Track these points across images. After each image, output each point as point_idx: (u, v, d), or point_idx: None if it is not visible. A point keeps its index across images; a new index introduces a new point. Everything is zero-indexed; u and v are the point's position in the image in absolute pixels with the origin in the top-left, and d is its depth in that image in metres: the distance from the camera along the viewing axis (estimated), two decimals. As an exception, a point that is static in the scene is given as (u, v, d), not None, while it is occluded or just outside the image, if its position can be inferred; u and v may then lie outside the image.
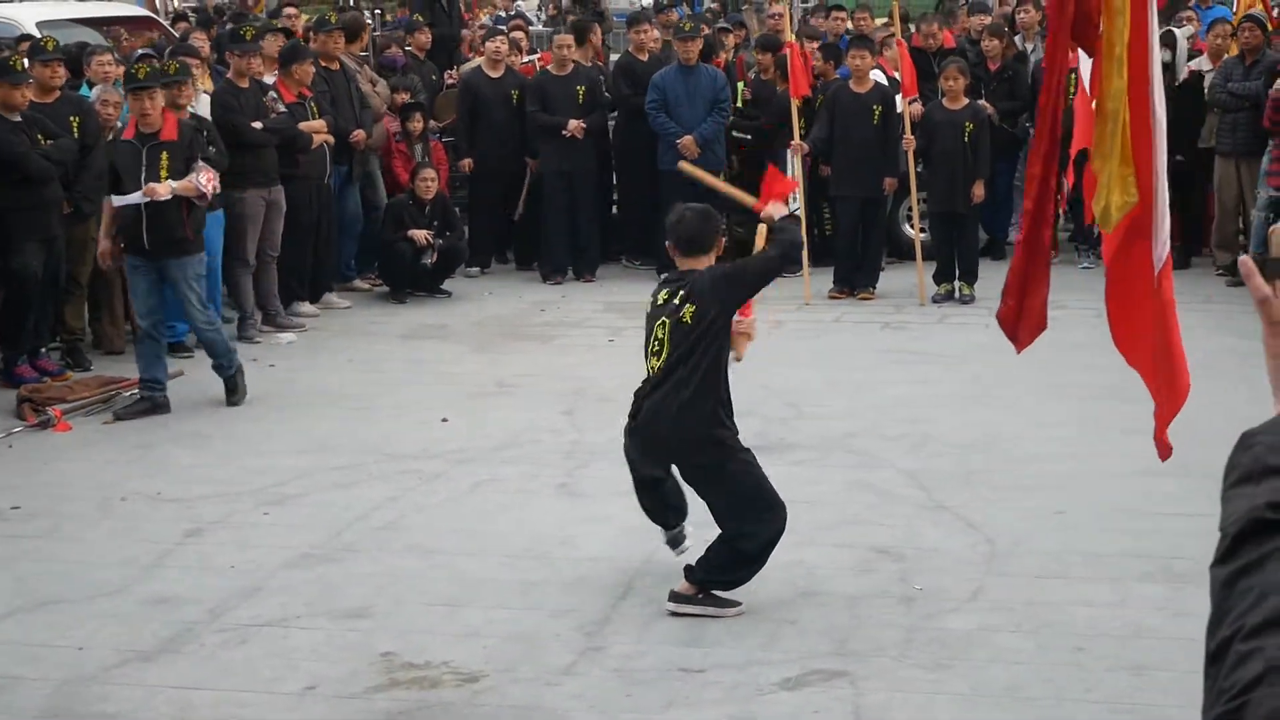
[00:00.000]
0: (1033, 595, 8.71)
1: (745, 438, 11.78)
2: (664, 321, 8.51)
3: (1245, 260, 2.37)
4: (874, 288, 16.90)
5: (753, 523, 8.60)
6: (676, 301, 8.49)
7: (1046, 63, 7.81)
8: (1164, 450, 7.70)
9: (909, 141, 16.73)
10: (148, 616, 8.78)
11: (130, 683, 7.98)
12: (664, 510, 9.03)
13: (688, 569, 8.66)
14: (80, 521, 10.46)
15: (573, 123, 17.72)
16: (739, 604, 8.59)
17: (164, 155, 12.84)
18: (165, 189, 12.68)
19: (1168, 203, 7.34)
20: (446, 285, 17.59)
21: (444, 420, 12.54)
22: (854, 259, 17.07)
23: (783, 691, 7.68)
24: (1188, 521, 9.65)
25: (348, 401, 13.30)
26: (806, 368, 13.92)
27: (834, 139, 17.08)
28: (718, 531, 8.69)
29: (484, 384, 13.71)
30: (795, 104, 16.95)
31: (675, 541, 9.03)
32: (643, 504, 9.04)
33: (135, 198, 12.72)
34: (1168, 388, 7.44)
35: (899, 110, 17.24)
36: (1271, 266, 4.87)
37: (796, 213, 17.02)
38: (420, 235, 16.94)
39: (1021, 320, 7.95)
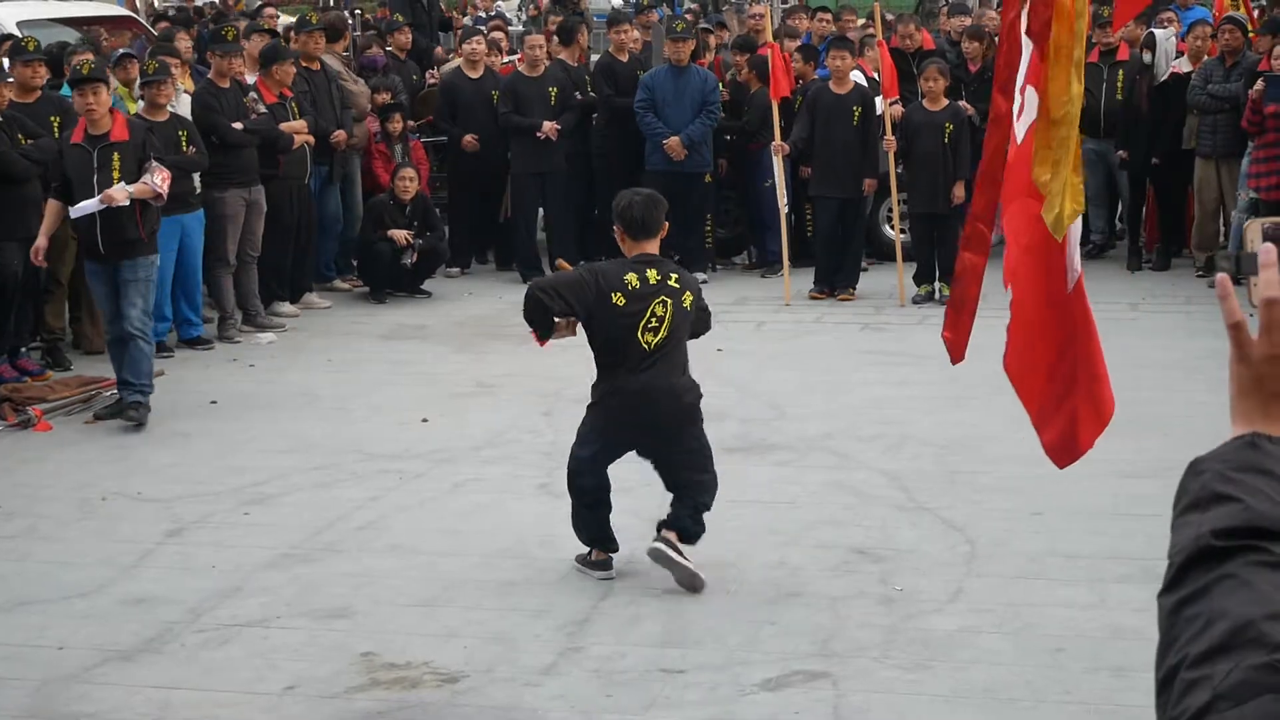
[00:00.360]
0: (1012, 596, 8.73)
1: (726, 439, 11.87)
2: (665, 300, 8.97)
3: (1223, 281, 2.37)
4: (854, 288, 16.89)
5: (712, 486, 9.27)
6: (674, 285, 9.03)
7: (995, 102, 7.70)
8: (1063, 458, 7.64)
9: (889, 143, 16.71)
10: (127, 616, 8.77)
11: (110, 682, 7.97)
12: (607, 524, 9.38)
13: (673, 526, 9.14)
14: (60, 521, 10.44)
15: (547, 124, 17.71)
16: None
17: (116, 156, 12.68)
18: (123, 195, 12.48)
19: (1080, 224, 7.34)
20: (426, 286, 17.57)
21: (424, 420, 12.54)
22: (834, 260, 17.06)
23: (763, 692, 7.68)
24: (1167, 523, 9.62)
25: (328, 401, 13.29)
26: (787, 369, 13.93)
27: (814, 139, 17.06)
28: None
29: (464, 384, 13.70)
30: (775, 105, 16.95)
31: (602, 566, 9.34)
32: (592, 515, 9.35)
33: (92, 205, 12.50)
34: (1089, 406, 7.38)
35: (879, 111, 17.27)
36: (1246, 262, 4.89)
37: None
38: (400, 235, 16.93)
39: (961, 339, 7.94)
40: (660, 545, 8.97)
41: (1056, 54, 6.73)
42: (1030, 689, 7.65)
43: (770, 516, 10.11)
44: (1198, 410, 11.40)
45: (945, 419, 12.08)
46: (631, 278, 8.99)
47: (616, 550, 9.29)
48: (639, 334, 8.96)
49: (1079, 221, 7.29)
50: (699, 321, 9.40)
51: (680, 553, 8.99)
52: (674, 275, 9.11)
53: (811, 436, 11.87)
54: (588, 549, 9.32)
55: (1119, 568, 9.04)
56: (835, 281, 17.02)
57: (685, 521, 9.12)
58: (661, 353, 8.99)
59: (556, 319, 9.24)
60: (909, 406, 12.41)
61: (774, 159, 17.03)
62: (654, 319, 8.95)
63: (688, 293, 9.10)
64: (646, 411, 9.08)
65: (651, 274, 9.01)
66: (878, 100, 17.52)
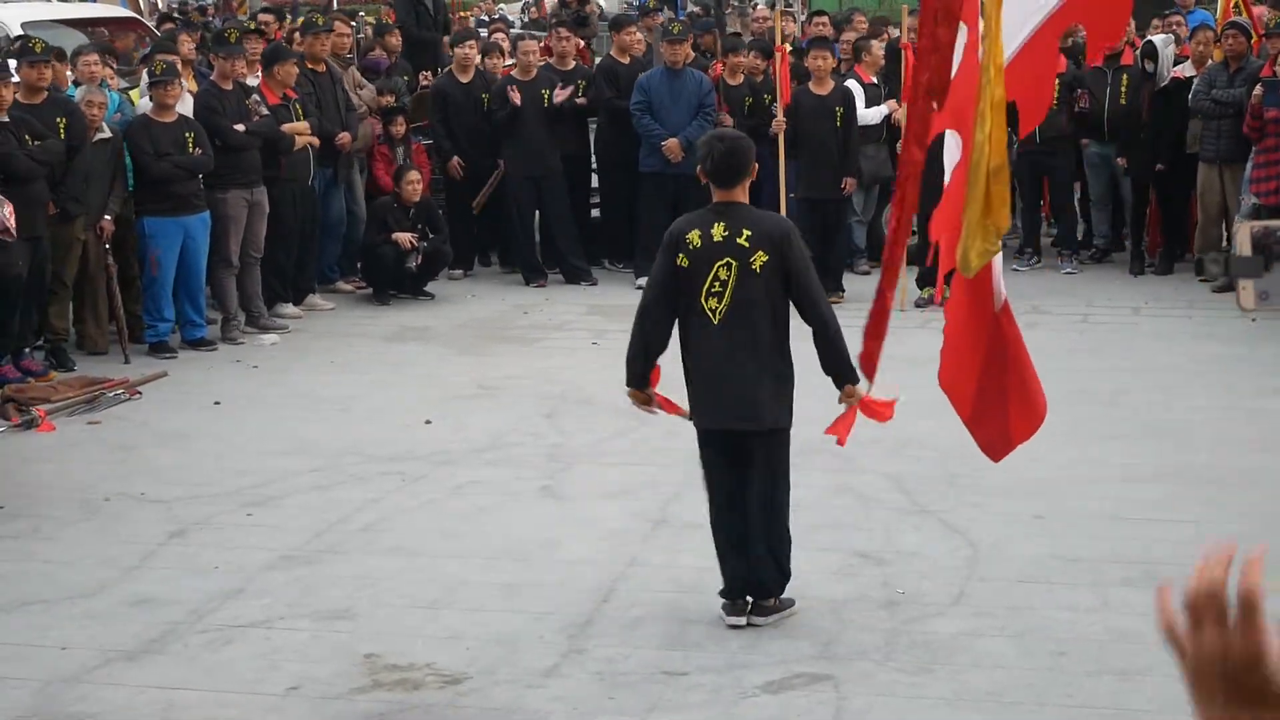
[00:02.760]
0: (1014, 600, 8.74)
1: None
2: (729, 262, 8.13)
3: (1164, 613, 2.32)
4: (843, 291, 16.79)
5: (784, 519, 8.58)
6: (744, 243, 8.13)
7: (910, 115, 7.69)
8: (998, 451, 7.75)
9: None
10: (130, 617, 8.78)
11: (113, 683, 7.98)
12: (743, 545, 8.45)
13: (757, 587, 8.48)
14: (63, 522, 10.45)
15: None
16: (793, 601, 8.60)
17: None
18: None
19: (1000, 256, 7.42)
20: (429, 288, 17.57)
21: (427, 422, 12.54)
22: (817, 263, 16.97)
23: (765, 695, 7.70)
24: (1169, 526, 9.69)
25: (330, 403, 13.30)
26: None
27: (796, 141, 17.02)
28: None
29: (466, 386, 13.71)
30: (781, 110, 16.97)
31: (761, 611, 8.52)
32: (725, 532, 8.54)
33: None
34: (1020, 408, 7.48)
35: (890, 114, 17.31)
36: (1236, 264, 4.90)
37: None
38: (404, 238, 16.94)
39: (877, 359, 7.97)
40: (757, 619, 8.39)
41: (994, 113, 6.75)
42: (1032, 692, 7.66)
43: (772, 519, 10.11)
44: (1199, 414, 11.41)
45: (947, 422, 11.97)
46: (694, 235, 8.18)
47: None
48: (703, 300, 8.18)
49: (1000, 254, 7.38)
50: (799, 287, 8.22)
51: (773, 611, 8.42)
52: (747, 231, 8.12)
53: (814, 440, 11.83)
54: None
55: (1121, 571, 9.05)
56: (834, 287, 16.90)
57: (759, 572, 8.45)
58: (729, 326, 8.15)
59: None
60: (910, 410, 12.32)
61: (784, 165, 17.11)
62: (717, 283, 8.15)
63: (760, 252, 8.11)
64: (719, 400, 8.32)
65: (718, 229, 8.13)
66: (881, 106, 17.55)
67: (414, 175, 17.26)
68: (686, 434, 11.96)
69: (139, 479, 11.31)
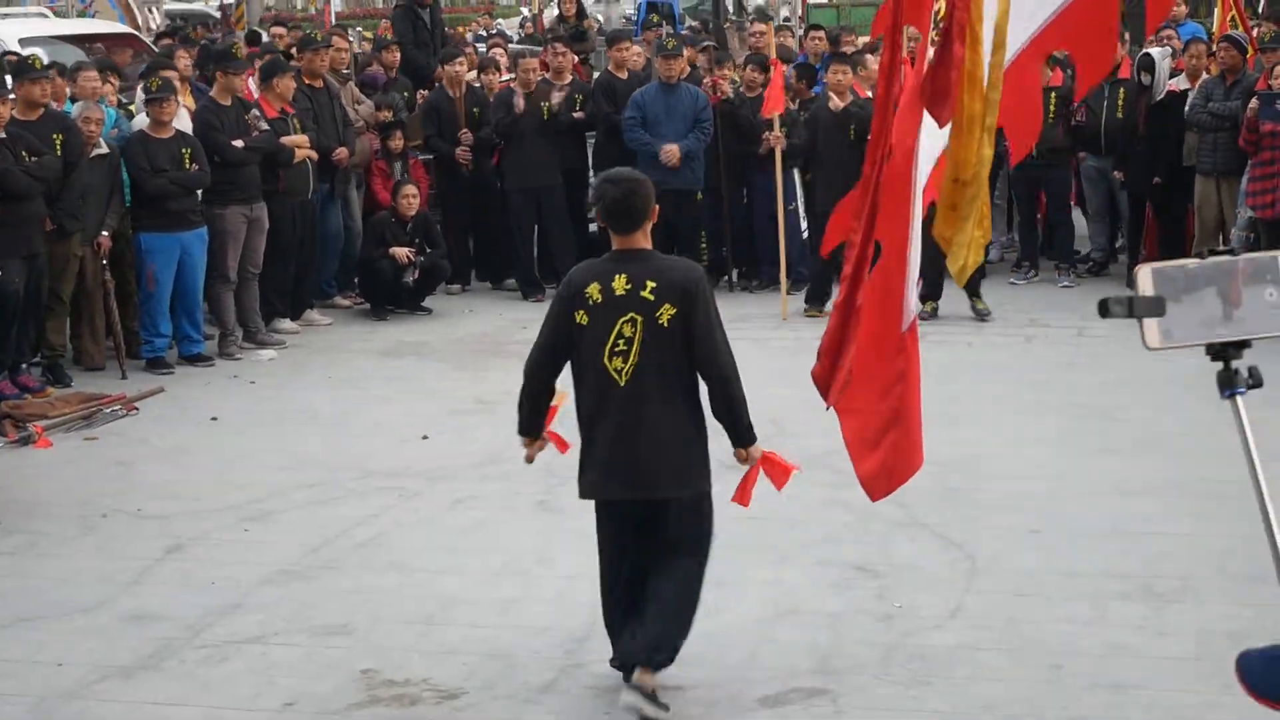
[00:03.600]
0: (1011, 613, 8.73)
1: (725, 456, 11.84)
2: (634, 318, 7.43)
3: None
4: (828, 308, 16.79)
5: (683, 619, 7.78)
6: (648, 296, 7.43)
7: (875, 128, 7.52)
8: (879, 489, 7.54)
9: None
10: (127, 633, 8.78)
11: (109, 699, 7.98)
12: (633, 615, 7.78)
13: (645, 656, 7.68)
14: (60, 538, 10.45)
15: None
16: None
17: None
18: None
19: (917, 265, 7.30)
20: (427, 303, 17.57)
21: (424, 437, 12.55)
22: (827, 275, 17.01)
23: (762, 709, 7.70)
24: (1166, 540, 9.69)
25: (328, 418, 13.30)
26: (786, 385, 13.86)
27: (814, 156, 17.18)
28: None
29: (464, 401, 13.70)
30: (776, 118, 16.98)
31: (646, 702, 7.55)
32: (611, 595, 7.96)
33: None
34: (901, 451, 7.35)
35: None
36: (1139, 305, 4.92)
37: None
38: (401, 253, 16.95)
39: (834, 378, 7.84)
40: (634, 698, 7.52)
41: (970, 124, 6.72)
42: (1029, 705, 7.65)
43: (768, 533, 10.10)
44: (1196, 427, 11.40)
45: (944, 436, 12.03)
46: (594, 289, 7.48)
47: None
48: (606, 360, 7.48)
49: (915, 267, 7.27)
50: (699, 337, 7.51)
51: (654, 700, 7.52)
52: (651, 282, 7.43)
53: (812, 453, 11.83)
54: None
55: (1118, 585, 9.04)
56: (826, 297, 16.86)
57: (639, 653, 7.66)
58: (638, 387, 7.47)
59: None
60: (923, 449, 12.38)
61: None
62: (621, 341, 7.45)
63: (667, 305, 7.42)
64: (632, 468, 7.57)
65: (619, 281, 7.45)
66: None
67: (410, 190, 17.28)
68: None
69: (136, 495, 11.31)
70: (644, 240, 7.63)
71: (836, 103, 16.98)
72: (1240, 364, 5.05)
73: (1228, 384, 5.04)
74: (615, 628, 7.88)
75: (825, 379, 7.66)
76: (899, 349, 7.12)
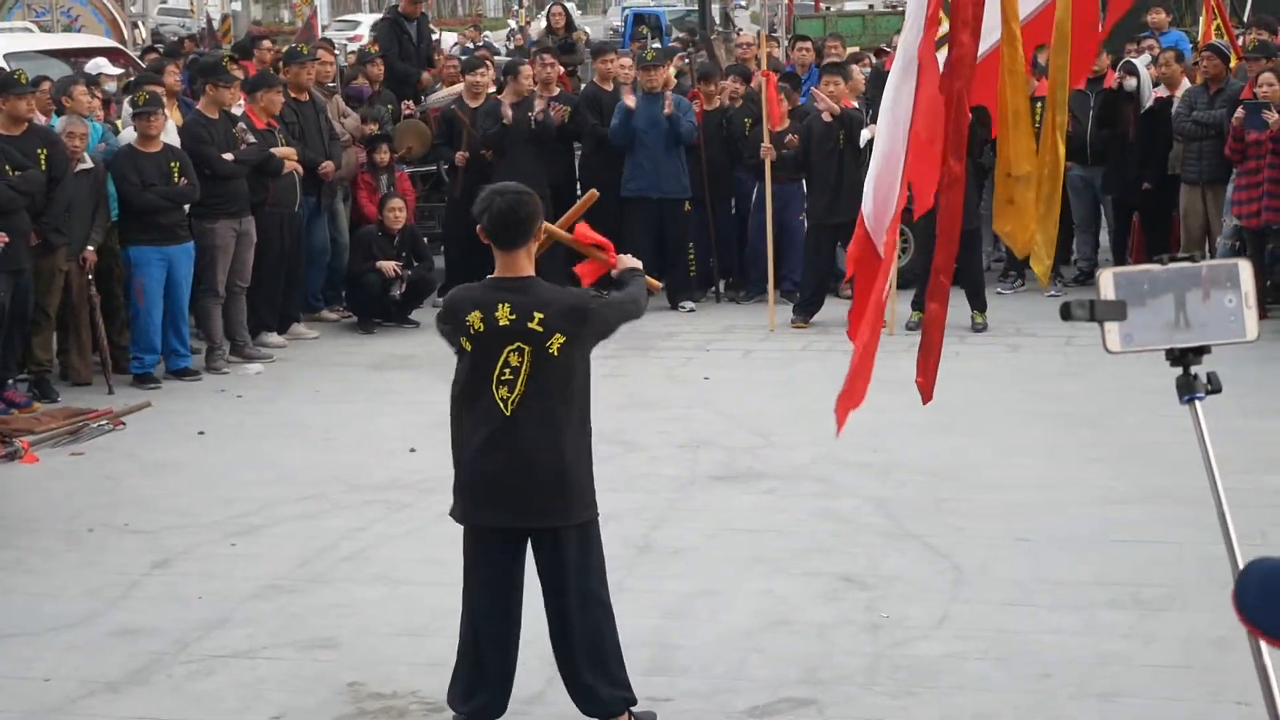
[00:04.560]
0: (999, 623, 8.73)
1: (712, 467, 11.88)
2: (520, 348, 7.11)
3: None
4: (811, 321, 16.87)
5: (609, 617, 7.57)
6: (536, 327, 7.09)
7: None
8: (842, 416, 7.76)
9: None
10: (114, 648, 8.76)
11: (96, 714, 7.97)
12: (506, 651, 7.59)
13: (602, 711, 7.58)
14: (47, 553, 10.43)
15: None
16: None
17: None
18: None
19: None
20: (414, 315, 17.56)
21: (411, 450, 12.53)
22: (818, 288, 17.05)
23: (750, 720, 7.70)
24: (1154, 548, 9.69)
25: (315, 432, 13.29)
26: (773, 397, 13.95)
27: (807, 167, 17.31)
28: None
29: (452, 414, 13.67)
30: (768, 133, 17.00)
31: None
32: (481, 631, 7.61)
33: None
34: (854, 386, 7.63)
35: (870, 138, 17.31)
36: (1101, 308, 4.93)
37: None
38: (388, 267, 16.94)
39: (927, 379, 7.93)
40: None
41: (1016, 119, 6.73)
42: (1017, 715, 7.65)
43: (757, 544, 10.11)
44: (1184, 435, 11.34)
45: (932, 446, 12.09)
46: (475, 318, 7.16)
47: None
48: (493, 388, 7.21)
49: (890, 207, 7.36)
50: (594, 330, 7.28)
51: None
52: (539, 314, 7.09)
53: (798, 464, 11.88)
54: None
55: (1106, 593, 9.05)
56: (813, 308, 17.01)
57: (593, 696, 7.50)
58: (526, 416, 7.19)
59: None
60: (895, 434, 12.40)
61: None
62: (507, 370, 7.15)
63: (558, 335, 7.10)
64: (516, 496, 7.31)
65: (503, 311, 7.11)
66: (865, 131, 17.55)
67: (397, 203, 17.27)
68: (671, 460, 12.03)
69: (123, 509, 11.29)
70: (526, 263, 7.25)
71: (829, 113, 17.02)
72: (1200, 370, 5.07)
73: (1187, 389, 5.07)
74: (475, 682, 7.58)
75: (926, 384, 7.90)
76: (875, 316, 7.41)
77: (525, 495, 7.27)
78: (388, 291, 17.07)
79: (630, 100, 17.48)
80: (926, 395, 7.98)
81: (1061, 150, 6.64)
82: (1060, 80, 6.60)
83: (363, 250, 17.18)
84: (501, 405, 7.19)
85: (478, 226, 7.22)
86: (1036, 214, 6.80)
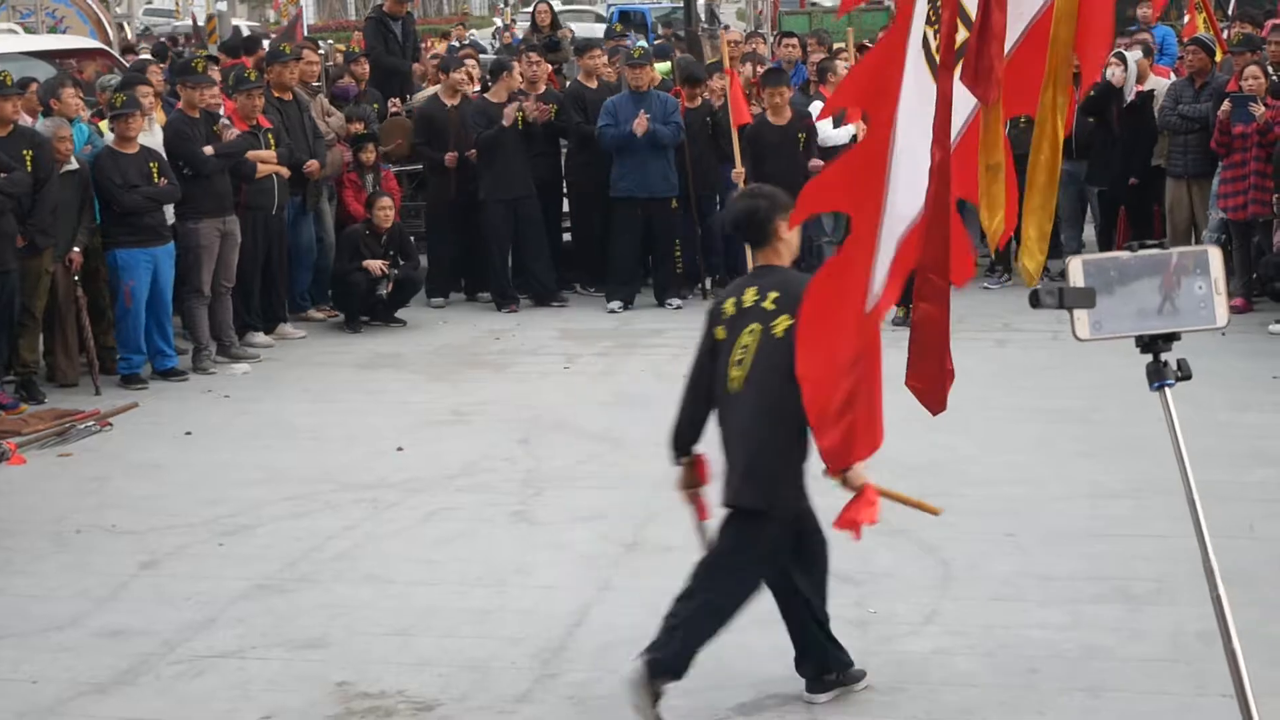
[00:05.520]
0: (987, 618, 8.74)
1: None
2: (754, 328, 7.42)
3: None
4: None
5: (708, 617, 7.70)
6: (769, 306, 7.45)
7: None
8: (836, 462, 7.33)
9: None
10: (102, 649, 8.76)
11: (85, 715, 7.97)
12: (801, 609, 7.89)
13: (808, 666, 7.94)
14: (34, 554, 10.42)
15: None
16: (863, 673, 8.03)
17: None
18: None
19: (889, 249, 7.08)
20: (401, 314, 17.55)
21: (399, 449, 12.53)
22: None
23: (738, 717, 7.71)
24: (1141, 543, 9.70)
25: (302, 431, 13.28)
26: (761, 393, 13.94)
27: (763, 174, 16.33)
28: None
29: (439, 412, 13.70)
30: (735, 131, 16.99)
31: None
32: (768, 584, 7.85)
33: None
34: (866, 426, 7.18)
35: (855, 134, 17.31)
36: (1069, 295, 4.92)
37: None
38: (375, 266, 16.93)
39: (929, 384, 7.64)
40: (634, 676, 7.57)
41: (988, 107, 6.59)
42: (1005, 710, 7.67)
43: (745, 541, 10.10)
44: (1166, 430, 11.41)
45: (920, 442, 12.05)
46: (729, 304, 7.59)
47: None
48: (729, 368, 7.51)
49: (890, 249, 7.08)
50: None
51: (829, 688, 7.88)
52: (774, 293, 7.47)
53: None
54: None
55: (1093, 588, 9.06)
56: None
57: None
58: (749, 394, 7.42)
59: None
60: (884, 429, 12.39)
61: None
62: (740, 350, 7.44)
63: (785, 316, 7.36)
64: (731, 475, 7.57)
65: (750, 294, 7.53)
66: (849, 126, 17.55)
67: (386, 202, 17.25)
68: (659, 457, 12.00)
69: (111, 510, 11.28)
70: (774, 256, 7.68)
71: (779, 118, 17.10)
72: (1170, 356, 5.07)
73: (1157, 376, 5.07)
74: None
75: (928, 389, 7.43)
76: (859, 330, 6.95)
77: (735, 474, 7.55)
78: (374, 291, 17.05)
79: (640, 128, 17.41)
80: (932, 404, 7.52)
81: (1060, 136, 6.45)
82: (1064, 55, 6.41)
83: (350, 249, 17.15)
84: (732, 383, 7.49)
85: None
86: (1029, 205, 6.66)
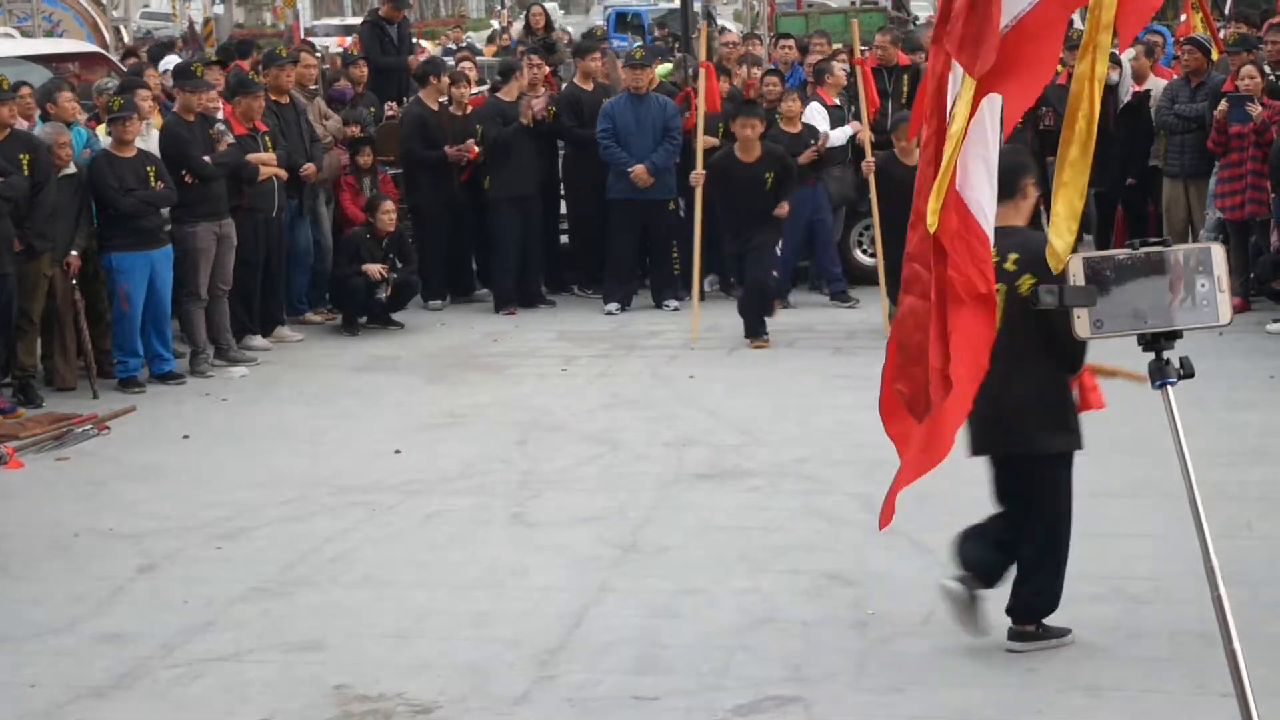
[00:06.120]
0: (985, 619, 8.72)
1: (698, 466, 11.87)
2: (1001, 288, 7.50)
3: None
4: (768, 335, 16.05)
5: (1062, 548, 8.35)
6: (1010, 267, 7.90)
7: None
8: (887, 516, 7.21)
9: (868, 166, 16.25)
10: (100, 653, 8.75)
11: (84, 719, 7.96)
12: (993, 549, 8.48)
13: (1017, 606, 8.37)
14: (31, 558, 10.42)
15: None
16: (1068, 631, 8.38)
17: None
18: None
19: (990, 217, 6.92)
20: (398, 317, 17.54)
21: (397, 452, 12.53)
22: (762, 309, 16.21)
23: (736, 718, 7.69)
24: (1138, 542, 9.70)
25: (300, 434, 13.28)
26: (759, 395, 13.94)
27: (728, 209, 16.21)
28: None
29: (436, 415, 13.69)
30: (702, 123, 16.70)
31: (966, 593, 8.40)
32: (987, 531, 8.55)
33: None
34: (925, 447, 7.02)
35: (852, 134, 17.31)
36: (1070, 294, 4.90)
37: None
38: (375, 270, 16.91)
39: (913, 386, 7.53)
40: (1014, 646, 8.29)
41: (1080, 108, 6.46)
42: (1003, 710, 7.66)
43: (742, 542, 10.11)
44: (1165, 429, 11.40)
45: (917, 442, 12.07)
46: (1003, 258, 7.90)
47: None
48: None
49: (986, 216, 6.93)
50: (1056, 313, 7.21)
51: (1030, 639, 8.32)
52: (1014, 254, 7.91)
53: (783, 462, 11.88)
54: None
55: (1089, 587, 9.03)
56: (762, 326, 16.03)
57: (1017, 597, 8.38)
58: (999, 352, 7.21)
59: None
60: (880, 431, 12.34)
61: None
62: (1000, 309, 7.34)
63: (1027, 276, 7.83)
64: (985, 427, 8.11)
65: (994, 255, 7.55)
66: (846, 128, 17.54)
67: (389, 205, 17.25)
68: (656, 459, 12.03)
69: (108, 514, 11.27)
70: (1014, 215, 8.10)
71: (748, 155, 16.08)
72: (1172, 354, 5.04)
73: (1159, 374, 5.05)
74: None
75: (912, 392, 7.32)
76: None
77: (990, 426, 8.10)
78: (373, 294, 17.04)
79: (641, 181, 17.36)
80: (915, 412, 7.37)
81: (1096, 108, 6.26)
82: (1105, 20, 6.21)
83: (350, 252, 17.14)
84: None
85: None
86: (1059, 180, 6.47)
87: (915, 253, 6.79)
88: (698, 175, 16.46)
